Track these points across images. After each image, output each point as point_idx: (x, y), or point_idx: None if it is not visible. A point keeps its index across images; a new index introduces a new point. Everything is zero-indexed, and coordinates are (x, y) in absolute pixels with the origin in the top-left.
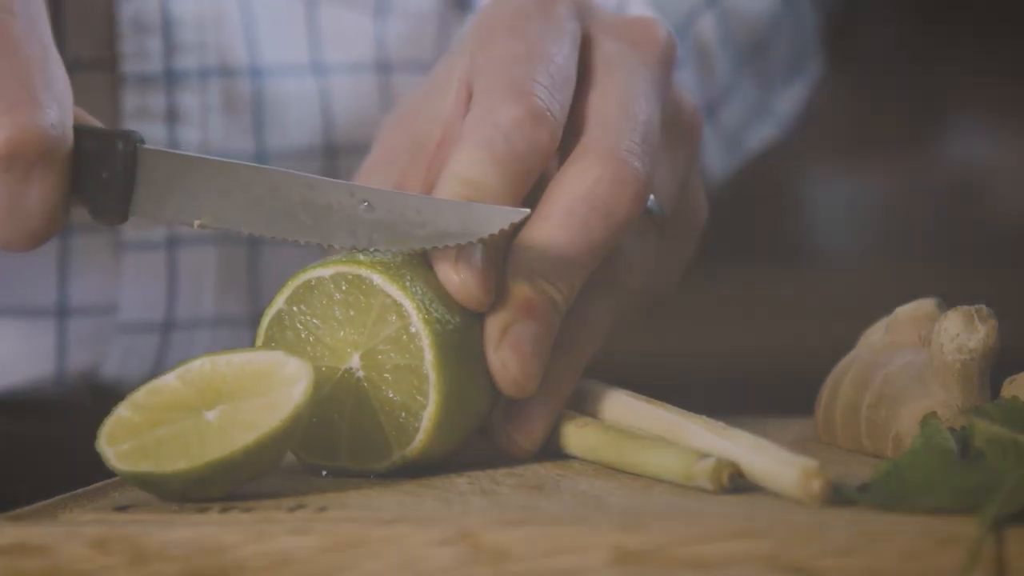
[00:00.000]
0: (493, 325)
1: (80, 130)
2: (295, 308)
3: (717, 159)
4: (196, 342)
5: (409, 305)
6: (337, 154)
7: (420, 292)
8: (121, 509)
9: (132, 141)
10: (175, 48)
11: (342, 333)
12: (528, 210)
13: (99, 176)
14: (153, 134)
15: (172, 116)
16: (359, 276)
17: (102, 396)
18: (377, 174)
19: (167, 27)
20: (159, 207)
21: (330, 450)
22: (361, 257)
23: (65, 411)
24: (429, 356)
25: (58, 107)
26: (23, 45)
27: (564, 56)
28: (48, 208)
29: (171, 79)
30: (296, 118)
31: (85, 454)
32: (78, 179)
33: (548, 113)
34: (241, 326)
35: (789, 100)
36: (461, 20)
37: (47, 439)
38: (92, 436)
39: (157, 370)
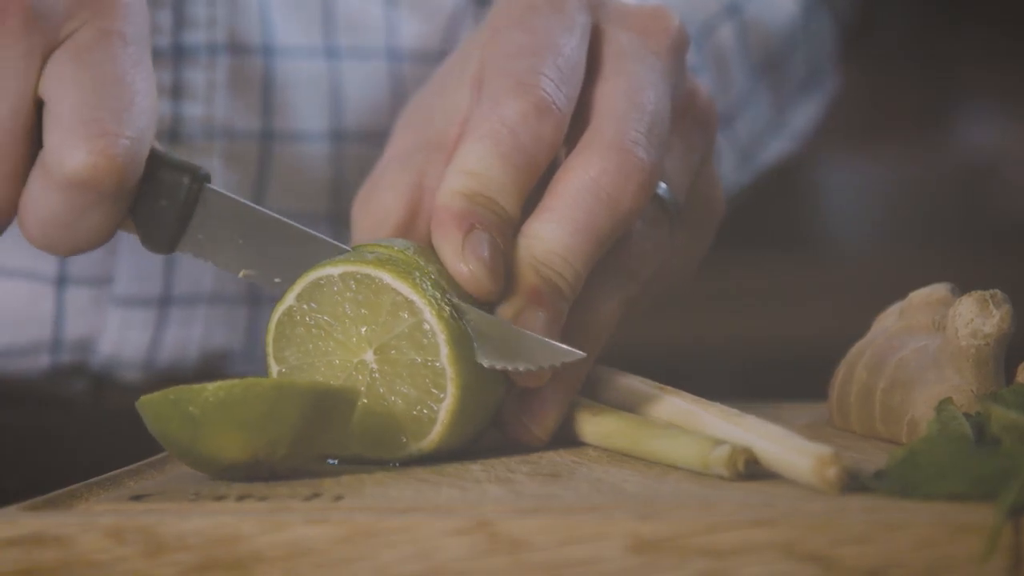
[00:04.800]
0: (503, 313)
1: (151, 156)
2: (305, 305)
3: (731, 169)
4: (193, 319)
5: (421, 302)
6: (344, 139)
7: (430, 288)
8: (137, 499)
9: (199, 178)
10: (185, 22)
11: (354, 329)
12: (583, 354)
13: (158, 205)
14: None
15: (177, 91)
16: (368, 275)
17: (98, 386)
18: (394, 172)
19: (178, 1)
20: (207, 247)
21: (343, 441)
22: (368, 255)
23: (61, 402)
24: (445, 351)
25: (142, 140)
26: (127, 73)
27: (572, 48)
28: (103, 230)
29: (179, 54)
30: (305, 101)
31: (80, 444)
32: (137, 203)
33: (554, 106)
34: (239, 304)
35: (805, 115)
36: (477, 15)
37: (43, 430)
38: (88, 427)
39: (153, 345)
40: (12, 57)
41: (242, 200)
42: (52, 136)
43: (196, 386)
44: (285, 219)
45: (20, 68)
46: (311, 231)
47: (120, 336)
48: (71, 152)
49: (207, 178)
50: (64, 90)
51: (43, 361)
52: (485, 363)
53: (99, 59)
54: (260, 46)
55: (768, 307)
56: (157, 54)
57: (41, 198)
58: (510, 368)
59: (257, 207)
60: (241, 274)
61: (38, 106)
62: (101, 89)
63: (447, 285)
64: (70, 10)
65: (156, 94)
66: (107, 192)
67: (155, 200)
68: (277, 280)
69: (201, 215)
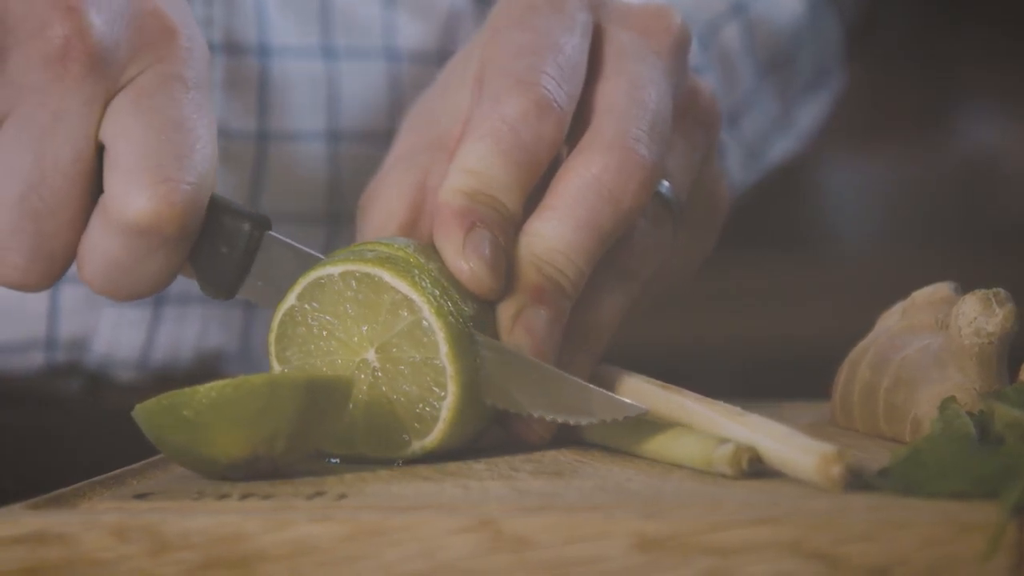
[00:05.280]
0: (505, 311)
1: (212, 202)
2: (307, 305)
3: (738, 168)
4: (187, 318)
5: (419, 299)
6: (341, 140)
7: (429, 286)
8: (140, 497)
9: (260, 225)
10: None
11: (355, 328)
12: (647, 408)
13: (218, 251)
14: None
15: None
16: (367, 274)
17: (93, 385)
18: (398, 172)
19: None
20: (265, 293)
21: (346, 440)
22: (368, 254)
23: (57, 401)
24: (444, 348)
25: (203, 186)
26: (188, 119)
27: (573, 47)
28: (163, 275)
29: None
30: (302, 101)
31: (77, 444)
32: (197, 249)
33: (555, 104)
34: (233, 303)
35: (810, 114)
36: (475, 15)
37: (40, 430)
38: (84, 427)
39: (148, 345)
40: (75, 103)
41: (302, 248)
42: (114, 181)
43: (188, 389)
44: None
45: (82, 113)
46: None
47: (114, 335)
48: (133, 198)
49: (268, 225)
50: (126, 135)
51: (37, 359)
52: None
53: (161, 104)
54: (256, 46)
55: (768, 307)
56: None
57: (102, 243)
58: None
59: (317, 255)
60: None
61: (99, 151)
62: (163, 135)
63: (449, 283)
64: (132, 55)
65: (216, 140)
66: (168, 238)
67: (215, 246)
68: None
69: (262, 262)
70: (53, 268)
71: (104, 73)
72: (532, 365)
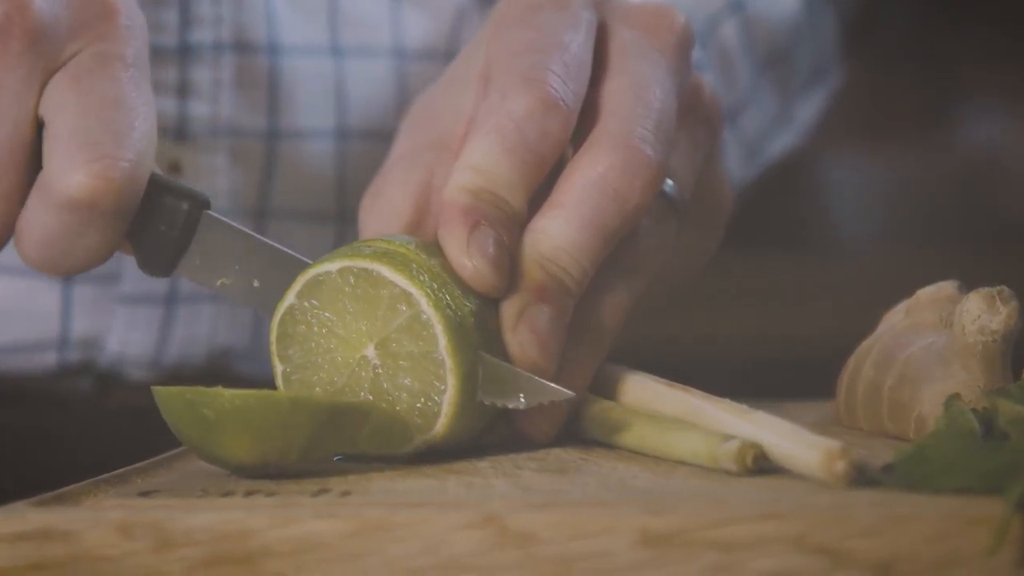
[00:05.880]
0: (509, 309)
1: (152, 181)
2: (306, 303)
3: (737, 165)
4: (199, 317)
5: (417, 293)
6: (349, 138)
7: (427, 279)
8: (145, 495)
9: (199, 204)
10: (191, 21)
11: (354, 325)
12: (572, 393)
13: (157, 229)
14: (163, 107)
15: (183, 90)
16: (365, 269)
17: (104, 385)
18: (402, 171)
19: (184, 0)
20: (203, 272)
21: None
22: (365, 250)
23: (67, 400)
24: (443, 341)
25: (141, 164)
26: (127, 96)
27: (578, 45)
28: (100, 252)
29: (185, 52)
30: (310, 99)
31: (86, 443)
32: (135, 226)
33: (561, 102)
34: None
35: (809, 109)
36: (483, 13)
37: (49, 429)
38: (93, 426)
39: (160, 344)
40: (13, 79)
41: (241, 228)
42: (51, 158)
43: (212, 389)
44: (282, 247)
45: (21, 90)
46: (306, 259)
47: (127, 334)
48: (70, 174)
49: (207, 204)
50: (64, 112)
51: (50, 359)
52: (485, 400)
53: (99, 82)
54: (266, 44)
55: (769, 306)
56: (163, 52)
57: (39, 219)
58: (510, 406)
59: (255, 235)
60: (219, 283)
61: (38, 128)
62: (101, 112)
63: (451, 280)
64: (71, 33)
65: (156, 117)
66: (105, 214)
67: (154, 224)
68: (256, 284)
69: (199, 241)
70: None
71: (43, 51)
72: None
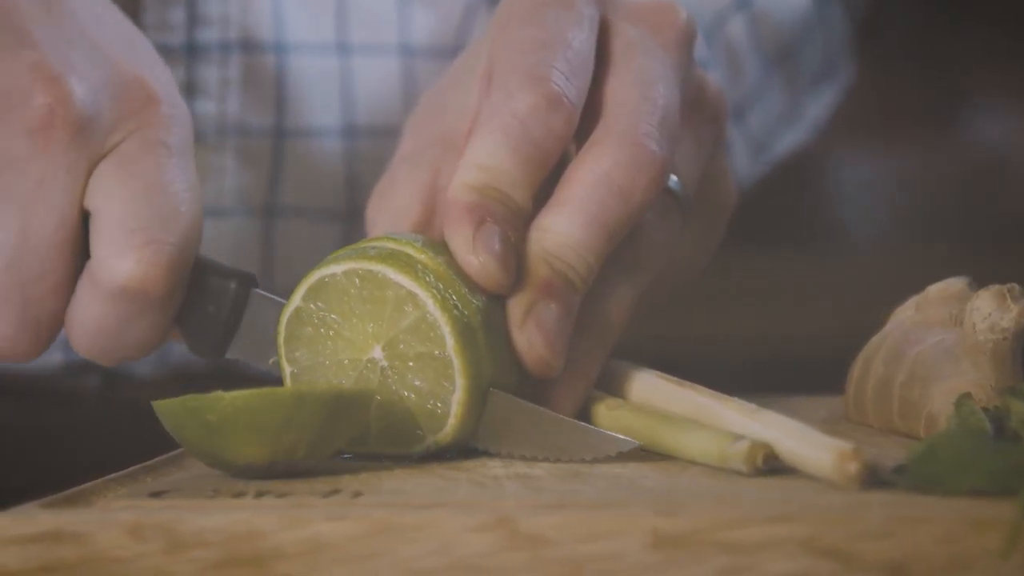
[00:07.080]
0: (516, 306)
1: (197, 263)
2: (312, 305)
3: (744, 162)
4: None
5: (424, 294)
6: (357, 135)
7: (433, 280)
8: (155, 495)
9: (246, 283)
10: (198, 20)
11: (361, 326)
12: (637, 442)
13: (205, 311)
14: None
15: (191, 89)
16: (370, 271)
17: (110, 381)
18: (408, 170)
19: None
20: (254, 351)
21: (359, 438)
22: (371, 251)
23: (73, 398)
24: (451, 342)
25: (187, 247)
26: (172, 183)
27: (581, 42)
28: (151, 338)
29: (192, 51)
30: (317, 97)
31: (92, 440)
32: (184, 310)
33: (565, 99)
34: None
35: (818, 106)
36: (490, 10)
37: (55, 427)
38: (99, 423)
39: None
40: (59, 170)
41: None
42: (99, 246)
43: (213, 394)
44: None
45: (66, 181)
46: None
47: None
48: (119, 260)
49: (254, 282)
50: (110, 200)
51: (56, 356)
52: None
53: (144, 169)
54: (273, 43)
55: (775, 304)
56: (170, 52)
57: (89, 308)
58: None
59: None
60: (270, 362)
61: (84, 218)
62: (146, 199)
63: (458, 278)
64: (115, 122)
65: (200, 203)
66: (155, 299)
67: (202, 306)
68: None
69: (249, 320)
70: (40, 336)
71: (87, 141)
72: (531, 411)
